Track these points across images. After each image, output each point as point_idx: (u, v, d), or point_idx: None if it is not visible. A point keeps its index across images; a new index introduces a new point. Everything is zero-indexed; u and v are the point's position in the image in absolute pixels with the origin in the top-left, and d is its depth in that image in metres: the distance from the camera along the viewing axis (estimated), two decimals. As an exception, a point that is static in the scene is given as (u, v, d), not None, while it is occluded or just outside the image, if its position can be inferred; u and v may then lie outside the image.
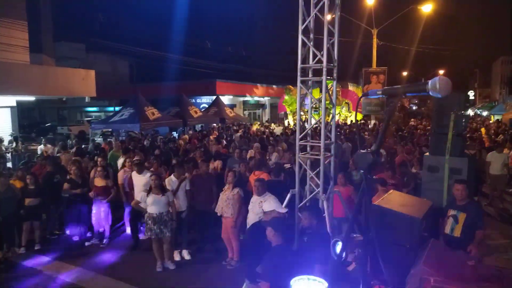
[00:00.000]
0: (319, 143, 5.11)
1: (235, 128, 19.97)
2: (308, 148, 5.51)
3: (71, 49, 28.57)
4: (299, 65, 5.11)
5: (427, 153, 6.30)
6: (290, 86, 24.48)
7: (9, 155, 12.42)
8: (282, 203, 5.43)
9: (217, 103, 20.98)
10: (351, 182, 6.93)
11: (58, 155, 10.27)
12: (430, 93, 1.27)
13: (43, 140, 13.12)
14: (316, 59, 5.13)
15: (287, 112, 25.36)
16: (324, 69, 4.92)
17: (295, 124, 21.80)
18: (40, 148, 12.68)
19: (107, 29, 32.15)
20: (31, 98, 15.39)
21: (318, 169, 5.22)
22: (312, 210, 4.17)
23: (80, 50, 30.52)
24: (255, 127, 19.99)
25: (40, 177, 7.61)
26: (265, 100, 34.14)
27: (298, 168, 5.30)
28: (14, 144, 12.94)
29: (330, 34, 5.05)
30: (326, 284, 2.55)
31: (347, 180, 6.59)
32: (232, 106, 26.77)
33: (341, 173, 6.46)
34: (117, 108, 20.51)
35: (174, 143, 12.79)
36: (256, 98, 32.89)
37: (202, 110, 20.43)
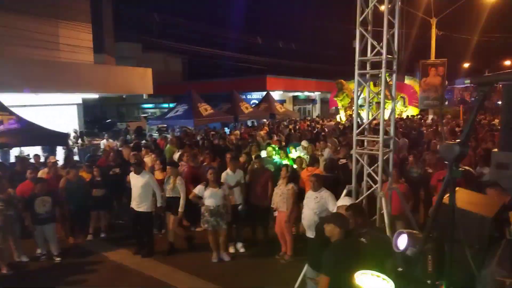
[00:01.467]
0: (378, 138, 4.96)
1: (285, 123, 19.96)
2: (365, 143, 5.37)
3: (128, 49, 30.04)
4: (357, 58, 4.98)
5: (495, 150, 5.88)
6: (342, 80, 23.93)
7: (75, 149, 13.37)
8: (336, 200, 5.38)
9: (267, 98, 21.08)
10: (409, 179, 6.66)
11: (120, 149, 10.89)
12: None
13: (106, 135, 13.98)
14: (375, 51, 4.97)
15: (338, 107, 24.84)
16: (384, 62, 4.75)
17: (347, 119, 21.33)
18: (102, 142, 13.53)
19: (161, 29, 33.43)
20: (95, 96, 16.48)
21: (376, 165, 5.07)
22: (355, 208, 4.07)
23: (136, 50, 32.02)
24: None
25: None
26: (316, 95, 33.70)
27: (355, 164, 5.19)
28: (79, 139, 13.92)
29: (389, 25, 4.87)
30: (392, 283, 2.49)
31: (403, 177, 6.35)
32: (282, 102, 26.74)
33: (395, 169, 6.22)
34: (171, 105, 21.30)
35: (224, 139, 13.05)
36: (306, 93, 32.57)
37: (253, 106, 20.62)
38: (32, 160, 9.42)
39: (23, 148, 10.56)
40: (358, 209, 3.99)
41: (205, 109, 15.47)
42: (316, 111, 33.76)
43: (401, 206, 5.53)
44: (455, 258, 3.01)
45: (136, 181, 6.68)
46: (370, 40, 5.00)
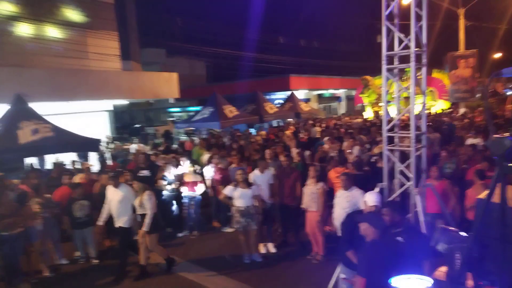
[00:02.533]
0: (409, 134, 4.85)
1: (311, 122, 19.79)
2: (396, 140, 5.26)
3: (153, 54, 30.64)
4: (384, 52, 4.89)
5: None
6: (367, 77, 23.48)
7: (108, 155, 13.77)
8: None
9: (291, 98, 20.95)
10: (444, 175, 6.45)
11: (150, 153, 11.14)
12: None
13: (136, 139, 14.34)
14: (403, 45, 4.86)
15: (364, 104, 24.40)
16: (413, 55, 4.65)
17: (374, 116, 20.92)
18: (132, 147, 13.88)
19: (183, 33, 33.92)
20: (125, 102, 16.92)
21: (408, 161, 4.96)
22: (393, 205, 3.97)
23: (161, 55, 32.62)
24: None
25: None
26: (341, 92, 33.24)
27: (386, 161, 5.09)
28: (111, 145, 14.33)
29: (416, 18, 4.76)
30: (431, 281, 2.43)
31: (441, 174, 6.15)
32: (307, 101, 26.54)
33: (435, 166, 6.05)
34: (197, 108, 21.58)
35: (249, 139, 13.12)
36: (331, 91, 32.19)
37: (277, 106, 20.57)
38: (68, 166, 9.78)
39: (58, 155, 10.97)
40: (396, 206, 3.91)
41: (230, 111, 15.56)
42: (341, 108, 33.30)
43: (438, 204, 5.38)
44: (502, 259, 2.90)
45: (113, 195, 6.22)
46: (397, 34, 4.90)
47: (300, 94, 26.28)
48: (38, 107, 10.38)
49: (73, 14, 14.78)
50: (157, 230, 6.20)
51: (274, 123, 19.65)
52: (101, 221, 6.31)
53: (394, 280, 2.48)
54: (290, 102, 20.43)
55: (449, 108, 22.32)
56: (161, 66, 27.06)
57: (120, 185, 6.30)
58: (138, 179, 7.87)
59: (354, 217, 4.09)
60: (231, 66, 33.42)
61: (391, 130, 5.12)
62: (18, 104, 9.70)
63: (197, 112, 16.61)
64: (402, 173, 5.13)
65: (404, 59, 4.99)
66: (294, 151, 9.42)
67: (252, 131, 17.04)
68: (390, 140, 5.33)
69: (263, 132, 15.35)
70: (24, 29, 13.25)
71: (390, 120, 5.25)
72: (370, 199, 4.16)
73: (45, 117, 9.77)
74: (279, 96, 27.04)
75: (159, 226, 6.40)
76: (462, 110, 21.07)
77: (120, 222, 6.23)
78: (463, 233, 3.95)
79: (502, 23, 27.29)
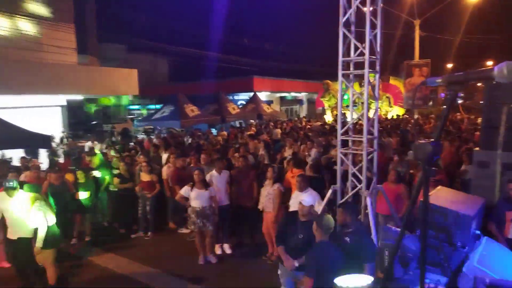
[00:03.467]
0: (362, 138, 5.01)
1: (272, 124, 19.99)
2: (350, 143, 5.42)
3: (113, 50, 29.70)
4: (340, 58, 5.03)
5: (477, 148, 6.00)
6: (328, 81, 24.09)
7: (59, 152, 13.14)
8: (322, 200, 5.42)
9: (254, 99, 21.07)
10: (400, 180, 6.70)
11: (104, 151, 10.75)
12: (496, 79, 1.21)
13: (91, 137, 13.80)
14: (358, 52, 5.02)
15: (325, 108, 25.00)
16: (367, 62, 4.81)
17: (333, 120, 21.49)
18: (87, 145, 13.34)
19: (146, 29, 33.16)
20: (80, 97, 16.24)
21: (360, 164, 5.12)
22: (346, 206, 4.10)
23: (121, 51, 31.68)
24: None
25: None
26: (303, 95, 33.87)
27: (340, 164, 5.22)
28: (65, 141, 13.69)
29: (372, 26, 4.93)
30: (372, 278, 2.51)
31: (398, 177, 6.38)
32: (269, 102, 26.78)
33: (393, 170, 6.25)
34: (158, 106, 21.14)
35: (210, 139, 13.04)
36: (293, 94, 32.71)
37: (240, 106, 20.60)
38: (15, 163, 9.23)
39: (5, 151, 10.33)
40: (348, 207, 4.01)
41: (192, 110, 15.38)
42: (303, 111, 33.92)
43: (388, 206, 5.58)
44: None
45: (7, 204, 5.36)
46: (353, 41, 5.05)
47: (263, 95, 26.48)
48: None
49: (28, 4, 13.98)
50: (53, 246, 5.37)
51: (237, 124, 19.64)
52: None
53: (338, 280, 2.55)
54: (253, 103, 20.54)
55: (403, 114, 23.36)
56: (122, 62, 26.24)
57: (16, 194, 5.37)
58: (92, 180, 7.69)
59: (291, 216, 4.20)
60: (195, 65, 33.08)
61: (345, 133, 5.26)
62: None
63: (157, 110, 16.28)
64: (354, 175, 5.29)
65: (359, 66, 5.15)
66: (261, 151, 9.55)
67: (213, 131, 16.93)
68: (345, 143, 5.48)
69: (224, 133, 15.30)
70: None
71: (345, 124, 5.39)
72: (306, 199, 4.28)
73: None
74: (242, 97, 27.12)
75: (56, 241, 5.45)
76: (415, 116, 22.14)
77: (21, 232, 5.35)
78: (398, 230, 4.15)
79: (455, 35, 28.98)
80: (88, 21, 18.48)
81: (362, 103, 7.23)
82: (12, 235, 5.44)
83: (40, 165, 9.30)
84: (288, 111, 32.56)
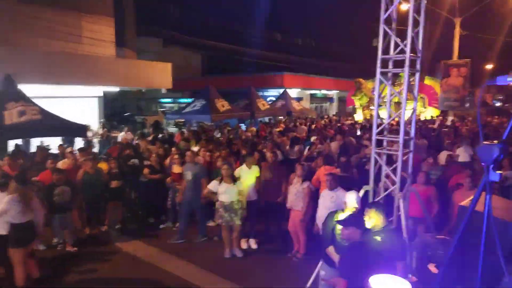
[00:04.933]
0: (397, 138, 4.86)
1: (300, 121, 19.82)
2: (384, 143, 5.27)
3: (149, 43, 30.28)
4: (379, 56, 4.88)
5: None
6: (360, 79, 23.57)
7: (95, 141, 13.59)
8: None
9: (284, 96, 20.95)
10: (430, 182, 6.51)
11: (137, 142, 11.01)
12: None
13: (125, 128, 14.18)
14: (398, 49, 4.86)
15: (356, 106, 24.52)
16: (407, 60, 4.64)
17: (364, 119, 21.03)
18: (120, 135, 13.72)
19: (180, 23, 33.65)
20: (116, 89, 16.71)
21: (394, 165, 4.97)
22: (378, 206, 4.00)
23: (157, 44, 32.26)
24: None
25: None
26: (333, 93, 33.36)
27: (373, 164, 5.09)
28: (101, 131, 14.15)
29: (414, 23, 4.75)
30: (409, 285, 2.43)
31: (428, 180, 6.22)
32: (299, 99, 26.56)
33: (422, 172, 6.11)
34: (189, 100, 21.45)
35: (239, 135, 13.08)
36: (323, 92, 32.27)
37: (270, 103, 20.55)
38: (53, 151, 9.61)
39: (43, 139, 10.78)
40: (382, 207, 3.92)
41: (222, 105, 15.46)
42: (333, 109, 33.43)
43: (420, 209, 5.41)
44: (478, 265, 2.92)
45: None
46: (393, 38, 4.88)
47: (293, 92, 26.27)
48: (28, 89, 10.17)
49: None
50: (21, 245, 5.12)
51: (266, 120, 19.62)
52: None
53: (373, 280, 2.48)
54: (283, 100, 20.43)
55: (438, 116, 22.55)
56: (157, 56, 26.76)
57: (4, 192, 5.19)
58: (125, 169, 7.89)
59: (335, 216, 4.10)
60: (227, 60, 33.28)
61: (380, 133, 5.12)
62: (7, 84, 9.50)
63: (188, 104, 16.50)
64: (388, 176, 5.14)
65: (398, 64, 4.99)
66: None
67: (242, 126, 16.99)
68: (379, 143, 5.33)
69: (253, 128, 15.30)
70: (17, 9, 12.92)
71: (380, 124, 5.24)
72: (350, 200, 4.16)
73: (34, 100, 9.57)
74: (272, 93, 27.04)
75: (25, 239, 5.19)
76: (450, 118, 21.32)
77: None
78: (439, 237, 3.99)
79: (497, 35, 27.61)
80: (127, 14, 18.92)
81: (396, 103, 7.03)
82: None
83: (74, 152, 9.67)
84: (318, 108, 32.18)
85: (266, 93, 27.36)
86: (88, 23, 15.07)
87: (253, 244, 6.90)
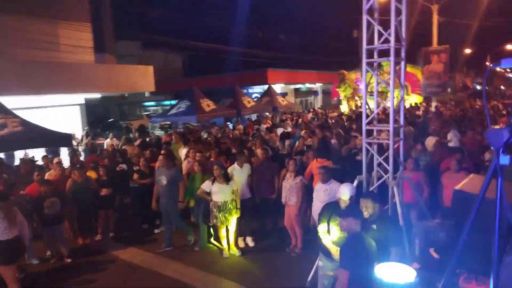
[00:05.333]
0: (387, 127, 4.89)
1: (286, 116, 19.86)
2: (374, 133, 5.30)
3: (128, 47, 29.88)
4: (364, 46, 4.89)
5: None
6: (343, 71, 23.73)
7: (80, 149, 13.35)
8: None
9: (269, 92, 20.94)
10: (419, 167, 6.61)
11: (123, 147, 10.84)
12: None
13: (110, 134, 13.95)
14: (382, 39, 4.88)
15: (341, 98, 24.70)
16: (392, 49, 4.67)
17: (350, 110, 21.21)
18: (106, 142, 13.50)
19: (158, 25, 33.32)
20: (98, 95, 16.42)
21: (386, 154, 5.01)
22: (372, 195, 4.04)
23: (136, 48, 31.87)
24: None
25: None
26: (317, 86, 33.53)
27: (365, 154, 5.12)
28: (85, 139, 13.90)
29: (396, 12, 4.78)
30: (415, 272, 2.44)
31: (417, 165, 6.32)
32: (284, 94, 26.60)
33: (410, 158, 6.21)
34: (173, 102, 21.27)
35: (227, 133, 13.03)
36: (308, 85, 32.40)
37: (255, 100, 20.51)
38: (39, 162, 9.39)
39: (27, 151, 10.52)
40: (376, 196, 3.95)
41: (208, 104, 15.35)
42: (318, 102, 33.61)
43: (414, 195, 5.48)
44: (476, 247, 2.96)
45: None
46: (377, 28, 4.90)
47: (278, 88, 26.29)
48: (8, 100, 9.89)
49: (43, 4, 14.11)
50: (11, 261, 4.97)
51: (253, 117, 19.59)
52: None
53: (378, 269, 2.49)
54: (268, 96, 20.41)
55: (421, 103, 22.89)
56: (137, 59, 26.43)
57: None
58: (115, 176, 7.75)
59: (331, 207, 4.12)
60: (208, 59, 33.08)
61: (369, 123, 5.15)
62: (-16, 97, 9.22)
63: (173, 106, 16.33)
64: (379, 165, 5.18)
65: (383, 53, 5.02)
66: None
67: (229, 125, 16.93)
68: (368, 133, 5.36)
69: (240, 126, 15.26)
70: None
71: (368, 114, 5.27)
72: (345, 191, 4.17)
73: (15, 111, 9.31)
74: (257, 90, 27.02)
75: (14, 255, 5.04)
76: (434, 104, 21.65)
77: None
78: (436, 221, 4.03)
79: (474, 20, 28.13)
80: (104, 19, 18.58)
81: (380, 92, 7.08)
82: None
83: (61, 162, 9.46)
84: (303, 102, 32.31)
85: (250, 90, 27.34)
86: (66, 30, 14.75)
87: (250, 242, 6.88)
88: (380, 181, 5.02)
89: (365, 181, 5.10)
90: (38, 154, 10.50)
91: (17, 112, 9.30)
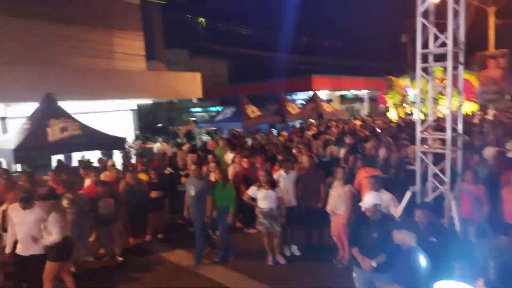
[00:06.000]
0: (444, 135, 4.65)
1: (333, 123, 19.54)
2: (429, 142, 5.06)
3: (177, 55, 30.94)
4: (419, 50, 4.71)
5: None
6: (391, 77, 23.00)
7: (132, 152, 13.95)
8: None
9: (314, 98, 20.74)
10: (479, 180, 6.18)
11: (173, 152, 11.19)
12: None
13: (159, 139, 14.49)
14: (438, 42, 4.67)
15: (388, 105, 23.91)
16: (450, 53, 4.45)
17: (399, 117, 20.47)
18: (156, 146, 13.99)
19: (206, 34, 34.19)
20: (149, 101, 17.15)
21: (442, 164, 4.76)
22: (427, 207, 3.85)
23: (184, 55, 32.92)
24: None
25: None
26: (364, 93, 32.71)
27: (419, 163, 4.90)
28: (136, 143, 14.53)
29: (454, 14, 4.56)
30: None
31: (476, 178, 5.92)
32: (329, 101, 26.23)
33: (469, 170, 5.82)
34: (219, 108, 21.67)
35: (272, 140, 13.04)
36: (354, 92, 31.71)
37: (300, 106, 20.40)
38: (95, 164, 9.92)
39: (84, 153, 11.16)
40: (431, 207, 3.77)
41: (253, 111, 15.50)
42: (364, 109, 32.76)
43: (473, 209, 5.15)
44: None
45: (23, 218, 5.13)
46: (432, 30, 4.70)
47: (323, 94, 25.98)
48: (67, 106, 10.59)
49: (99, 14, 15.02)
50: (59, 259, 5.10)
51: (297, 124, 19.49)
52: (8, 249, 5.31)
53: (440, 286, 2.35)
54: (313, 103, 20.22)
55: (477, 111, 21.60)
56: (185, 67, 27.28)
57: (32, 207, 5.18)
58: (164, 179, 7.99)
59: (362, 216, 4.13)
60: (253, 66, 33.44)
61: (424, 131, 4.92)
62: (48, 102, 9.89)
63: (219, 112, 16.65)
64: (435, 176, 4.93)
65: (439, 58, 4.81)
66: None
67: (274, 131, 16.94)
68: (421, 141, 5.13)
69: (285, 133, 15.21)
70: (53, 30, 13.55)
71: (423, 121, 5.05)
72: (369, 200, 4.10)
73: (74, 116, 9.95)
74: (301, 97, 26.87)
75: (64, 254, 5.20)
76: (492, 112, 20.32)
77: (34, 249, 5.13)
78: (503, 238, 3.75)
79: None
80: (155, 28, 19.44)
81: (434, 98, 6.77)
82: (23, 251, 5.16)
83: (115, 164, 9.93)
84: (349, 109, 31.64)
85: (295, 97, 27.23)
86: (120, 39, 15.60)
87: (296, 250, 6.80)
88: (436, 193, 4.77)
89: (419, 192, 4.87)
90: (94, 156, 11.09)
91: (76, 117, 9.93)
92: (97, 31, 14.89)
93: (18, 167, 9.32)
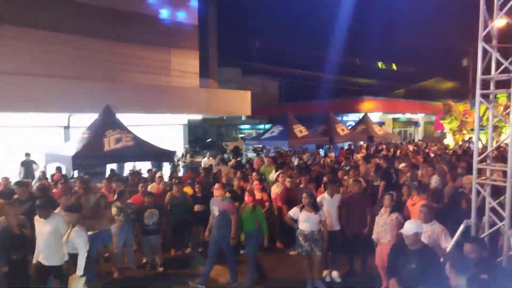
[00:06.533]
0: (505, 167, 4.29)
1: (383, 146, 18.86)
2: (488, 173, 4.70)
3: (229, 73, 31.88)
4: (479, 76, 4.43)
5: None
6: (450, 102, 21.93)
7: (180, 166, 14.39)
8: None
9: (364, 120, 20.26)
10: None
11: (218, 167, 11.37)
12: None
13: (207, 153, 14.84)
14: (501, 68, 4.37)
15: (445, 131, 22.71)
16: (513, 80, 4.15)
17: (456, 144, 19.33)
18: (203, 161, 14.33)
19: (259, 54, 35.00)
20: (199, 117, 17.74)
21: (501, 198, 4.38)
22: (479, 240, 3.55)
23: (236, 74, 33.83)
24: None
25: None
26: (418, 117, 31.40)
27: (475, 196, 4.54)
28: (185, 157, 15.00)
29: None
30: None
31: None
32: (381, 124, 25.46)
33: None
34: (267, 126, 21.84)
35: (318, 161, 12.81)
36: (408, 115, 30.56)
37: (349, 128, 20.00)
38: (145, 175, 10.34)
39: (135, 163, 11.69)
40: (482, 242, 3.48)
41: (300, 130, 15.44)
42: (419, 134, 31.38)
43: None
44: None
45: (42, 227, 5.01)
46: (495, 56, 4.42)
47: (374, 117, 25.30)
48: (124, 118, 11.24)
49: (158, 33, 15.92)
50: (85, 273, 4.84)
51: (345, 146, 19.07)
52: (34, 260, 5.13)
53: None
54: (363, 125, 19.76)
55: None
56: (236, 85, 27.99)
57: (50, 216, 5.07)
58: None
59: (400, 246, 4.13)
60: (304, 86, 33.51)
61: (482, 161, 4.58)
62: (107, 114, 10.57)
63: (266, 130, 16.77)
64: (492, 210, 4.55)
65: (499, 85, 4.51)
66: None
67: (321, 152, 16.69)
68: (478, 172, 4.77)
69: (332, 154, 14.91)
70: (117, 49, 14.56)
71: (481, 151, 4.71)
72: (409, 228, 4.07)
73: (129, 128, 10.51)
74: (352, 118, 26.36)
75: (89, 269, 5.00)
76: None
77: (52, 260, 5.01)
78: None
79: None
80: (211, 47, 20.23)
81: (493, 126, 6.32)
82: (43, 259, 5.04)
83: (163, 177, 10.27)
84: (401, 133, 30.47)
85: (345, 118, 26.79)
86: (176, 57, 16.39)
87: (337, 277, 6.54)
88: (493, 229, 4.39)
89: (474, 226, 4.51)
90: (143, 167, 11.58)
91: (130, 129, 10.49)
92: (157, 49, 15.80)
93: (76, 174, 9.96)
